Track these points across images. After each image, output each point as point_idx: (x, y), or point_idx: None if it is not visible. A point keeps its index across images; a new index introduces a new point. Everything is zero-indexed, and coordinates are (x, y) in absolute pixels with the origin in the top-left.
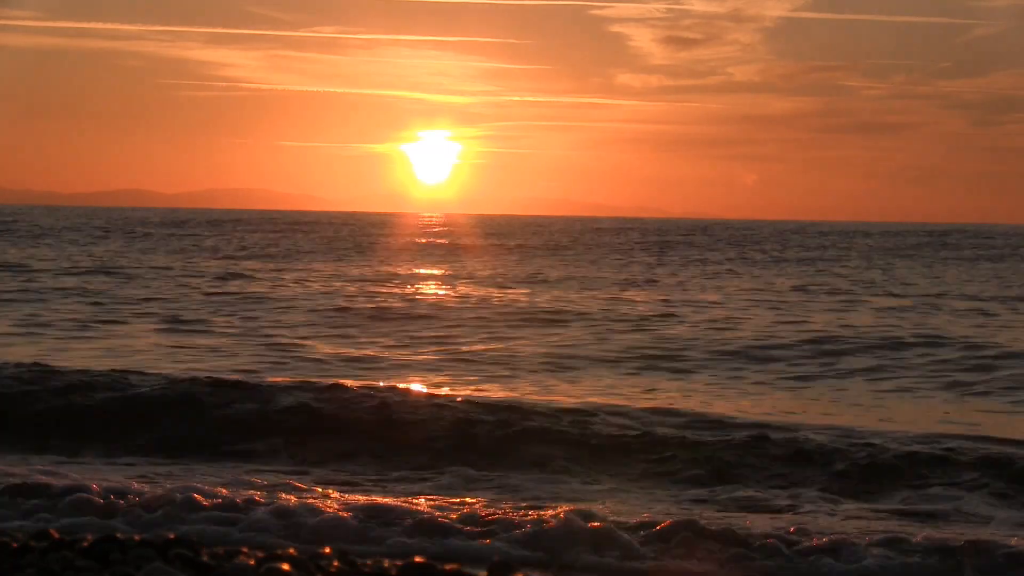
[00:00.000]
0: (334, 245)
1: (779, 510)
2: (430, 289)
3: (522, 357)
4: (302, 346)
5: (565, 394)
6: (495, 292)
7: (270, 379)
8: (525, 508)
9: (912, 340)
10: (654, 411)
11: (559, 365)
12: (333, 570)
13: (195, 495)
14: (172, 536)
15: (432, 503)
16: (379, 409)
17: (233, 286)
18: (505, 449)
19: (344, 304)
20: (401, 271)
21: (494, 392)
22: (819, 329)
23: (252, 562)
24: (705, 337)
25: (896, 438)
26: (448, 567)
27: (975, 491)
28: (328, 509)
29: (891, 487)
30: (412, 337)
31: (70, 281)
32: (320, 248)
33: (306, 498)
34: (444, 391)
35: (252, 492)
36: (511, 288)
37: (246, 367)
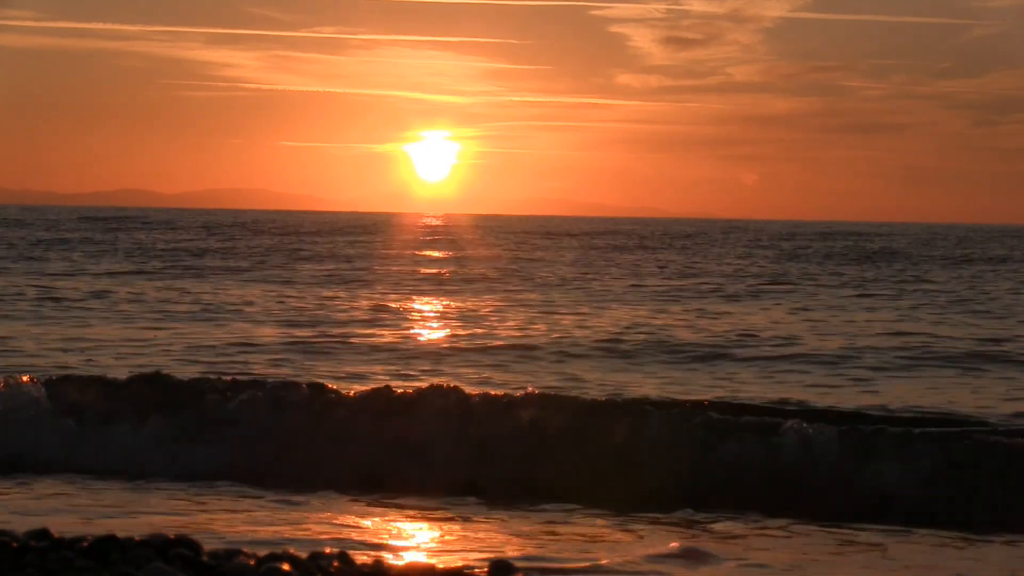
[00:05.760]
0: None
1: None
2: None
3: None
4: None
5: None
6: None
7: None
8: None
9: None
10: None
11: None
12: (333, 570)
13: None
14: (172, 536)
15: None
16: None
17: None
18: None
19: None
20: None
21: None
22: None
23: (252, 562)
24: None
25: None
26: (448, 567)
27: None
28: None
29: None
30: None
31: None
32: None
33: None
34: None
35: None
36: None
37: None
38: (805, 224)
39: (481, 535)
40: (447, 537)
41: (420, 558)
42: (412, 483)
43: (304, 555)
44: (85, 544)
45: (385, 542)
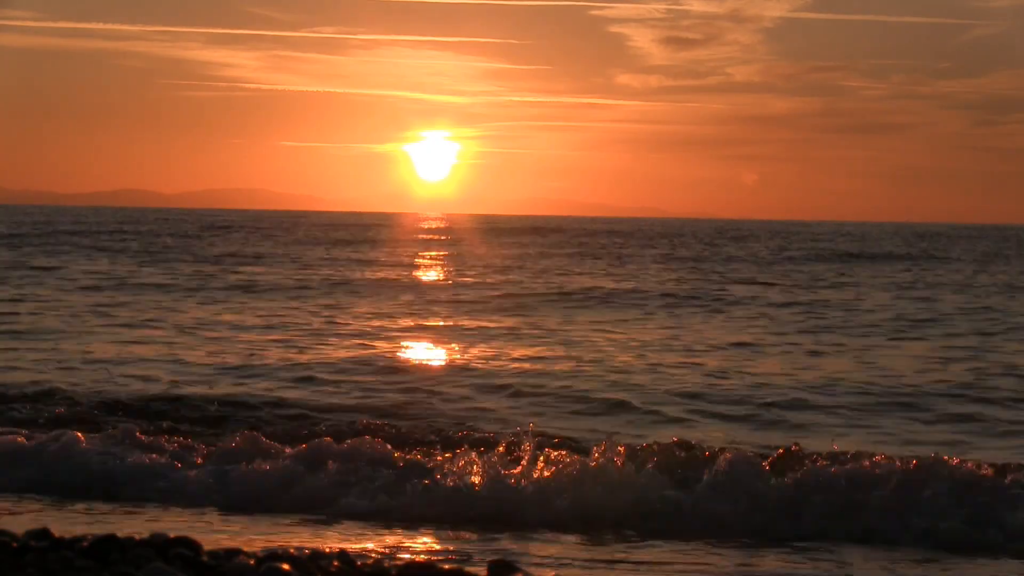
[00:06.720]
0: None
1: None
2: None
3: None
4: None
5: None
6: None
7: None
8: None
9: None
10: None
11: None
12: (333, 570)
13: None
14: (172, 536)
15: None
16: None
17: None
18: None
19: None
20: None
21: None
22: None
23: (252, 562)
24: None
25: None
26: (448, 567)
27: None
28: None
29: None
30: None
31: None
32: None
33: None
34: None
35: None
36: None
37: None
38: (796, 224)
39: None
40: None
41: None
42: None
43: (304, 555)
44: (85, 544)
45: None
